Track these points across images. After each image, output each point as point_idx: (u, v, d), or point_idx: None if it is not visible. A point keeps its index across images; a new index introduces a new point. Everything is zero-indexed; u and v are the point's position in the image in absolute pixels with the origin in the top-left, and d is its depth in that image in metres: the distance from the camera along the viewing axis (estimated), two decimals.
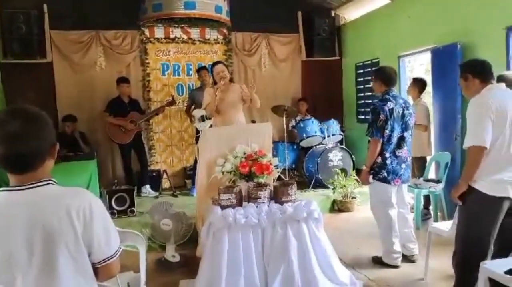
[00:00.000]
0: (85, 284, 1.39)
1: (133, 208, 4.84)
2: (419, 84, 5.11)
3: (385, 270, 3.62)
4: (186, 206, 4.83)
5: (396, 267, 3.64)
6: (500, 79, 3.69)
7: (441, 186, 4.58)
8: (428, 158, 5.11)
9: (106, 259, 1.44)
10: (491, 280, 2.45)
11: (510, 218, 2.66)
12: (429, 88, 5.41)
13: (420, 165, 5.02)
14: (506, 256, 2.63)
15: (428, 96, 5.49)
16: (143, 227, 4.35)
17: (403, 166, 3.63)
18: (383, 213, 3.67)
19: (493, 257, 2.66)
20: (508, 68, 4.33)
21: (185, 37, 6.87)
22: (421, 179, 4.78)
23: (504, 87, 2.78)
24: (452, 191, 2.77)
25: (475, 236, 2.68)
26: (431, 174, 5.08)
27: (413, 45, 5.87)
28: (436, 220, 4.64)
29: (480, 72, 2.75)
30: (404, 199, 3.82)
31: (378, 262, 3.76)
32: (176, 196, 5.94)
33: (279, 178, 5.88)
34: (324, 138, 6.44)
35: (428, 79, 5.40)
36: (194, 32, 6.90)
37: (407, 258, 3.75)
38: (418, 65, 9.55)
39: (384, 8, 6.50)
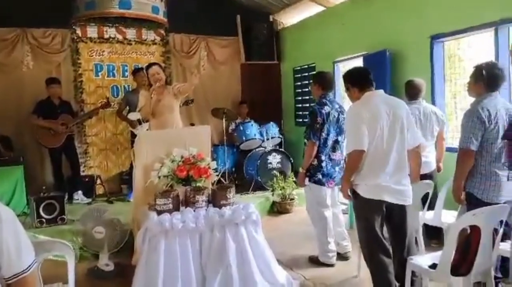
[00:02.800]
0: None
1: (63, 216, 4.58)
2: None
3: (321, 269, 3.71)
4: (123, 212, 4.65)
5: (331, 265, 3.76)
6: (410, 84, 3.97)
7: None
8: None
9: (18, 275, 1.33)
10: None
11: (393, 220, 2.84)
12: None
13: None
14: (400, 255, 2.81)
15: None
16: (75, 235, 4.12)
17: (337, 168, 3.76)
18: (319, 214, 3.78)
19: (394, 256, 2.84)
20: (432, 75, 4.64)
21: (120, 37, 6.64)
22: None
23: (382, 93, 2.92)
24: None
25: (366, 235, 2.85)
26: None
27: (347, 52, 6.11)
28: None
29: (357, 81, 2.92)
30: (337, 200, 3.97)
31: (314, 261, 3.85)
32: (111, 202, 5.70)
33: (218, 182, 5.89)
34: (263, 141, 6.51)
35: None
36: (130, 33, 6.70)
37: (341, 256, 3.88)
38: None
39: (320, 15, 6.72)
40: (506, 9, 3.84)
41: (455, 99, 5.43)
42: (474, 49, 4.90)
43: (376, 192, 2.75)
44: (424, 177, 3.51)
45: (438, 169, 4.07)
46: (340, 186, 3.81)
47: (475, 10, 4.15)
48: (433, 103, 4.53)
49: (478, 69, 2.92)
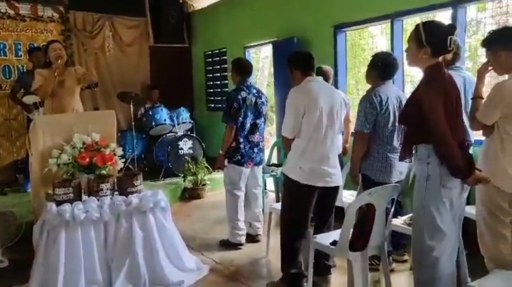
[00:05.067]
0: None
1: None
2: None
3: (231, 252, 3.77)
4: (17, 204, 4.30)
5: (240, 245, 3.84)
6: (318, 71, 4.16)
7: (281, 169, 4.95)
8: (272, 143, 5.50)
9: None
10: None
11: (324, 202, 3.01)
12: (271, 79, 5.79)
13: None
14: (322, 231, 2.98)
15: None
16: None
17: (255, 149, 3.87)
18: (231, 194, 3.86)
19: (314, 232, 2.99)
20: (335, 62, 4.89)
21: (12, 12, 6.00)
22: (264, 163, 5.10)
23: (321, 80, 3.09)
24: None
25: (292, 218, 2.97)
26: (274, 159, 5.46)
27: (258, 38, 6.19)
28: (278, 201, 5.01)
29: (300, 65, 3.01)
30: (258, 181, 4.05)
31: (224, 244, 3.91)
32: (4, 194, 5.22)
33: (127, 169, 5.68)
34: (174, 126, 6.38)
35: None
36: (24, 8, 6.09)
37: (252, 238, 3.98)
38: (263, 57, 10.12)
39: None
40: (401, 3, 4.15)
41: (358, 87, 5.81)
42: (375, 40, 5.26)
43: (311, 178, 2.84)
44: None
45: (345, 150, 4.32)
46: (260, 166, 3.95)
47: (373, 2, 4.43)
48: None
49: (374, 58, 3.14)
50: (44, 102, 4.20)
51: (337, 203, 3.71)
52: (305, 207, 2.92)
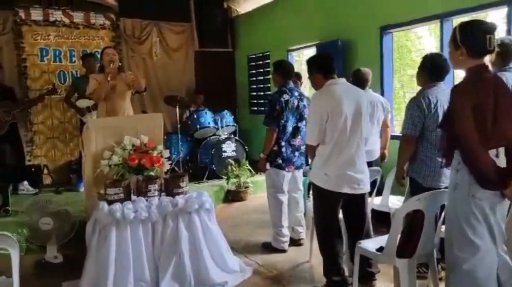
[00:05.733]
0: None
1: (7, 207, 4.36)
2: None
3: (274, 255, 3.77)
4: (72, 202, 4.49)
5: (283, 251, 3.83)
6: (357, 73, 4.07)
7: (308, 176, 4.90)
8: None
9: None
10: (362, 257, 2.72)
11: (353, 208, 2.96)
12: None
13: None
14: (359, 237, 2.90)
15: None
16: (20, 227, 3.95)
17: (297, 153, 3.84)
18: (274, 198, 3.85)
19: (351, 239, 2.95)
20: (381, 65, 4.79)
21: (67, 20, 6.34)
22: (308, 167, 5.07)
23: (344, 82, 2.99)
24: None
25: (324, 224, 2.96)
26: None
27: (301, 40, 6.18)
28: None
29: (321, 67, 2.95)
30: (298, 185, 4.02)
31: (267, 247, 3.91)
32: (59, 193, 5.49)
33: (172, 171, 5.82)
34: (217, 129, 6.48)
35: None
36: (78, 16, 6.41)
37: (295, 242, 3.96)
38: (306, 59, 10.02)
39: (274, 3, 6.72)
40: (450, 2, 4.01)
41: (404, 89, 5.66)
42: (423, 41, 5.11)
43: (337, 184, 2.82)
44: (368, 165, 3.65)
45: (383, 156, 4.23)
46: (301, 170, 3.93)
47: (421, 2, 4.31)
48: (382, 93, 4.69)
49: (423, 60, 3.05)
50: (97, 105, 4.39)
51: (383, 209, 3.66)
52: (333, 213, 2.90)
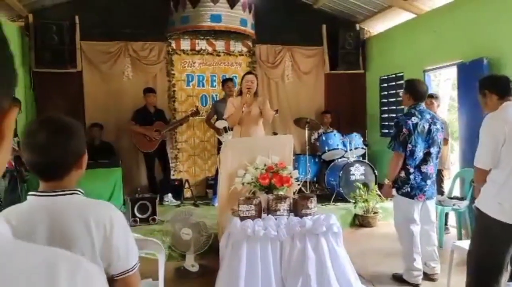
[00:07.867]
0: None
1: (155, 216, 4.91)
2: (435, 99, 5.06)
3: None
4: (207, 216, 4.87)
5: (416, 285, 3.57)
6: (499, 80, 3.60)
7: (465, 203, 4.48)
8: (445, 172, 5.03)
9: (124, 272, 1.42)
10: None
11: None
12: (455, 103, 5.33)
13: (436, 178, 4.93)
14: None
15: (454, 111, 5.41)
16: (164, 235, 4.40)
17: (428, 182, 3.56)
18: (405, 228, 3.61)
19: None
20: None
21: (210, 49, 6.99)
22: (445, 196, 4.69)
23: None
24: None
25: (483, 260, 2.61)
26: (456, 191, 4.97)
27: (439, 60, 5.80)
28: (460, 238, 4.53)
29: (497, 88, 2.71)
30: (430, 216, 3.72)
31: (398, 279, 3.69)
32: (197, 206, 5.99)
33: (299, 191, 5.90)
34: (346, 151, 6.40)
35: (455, 94, 5.32)
36: (219, 45, 7.02)
37: (428, 277, 3.67)
38: (443, 79, 9.39)
39: (409, 22, 6.47)
40: None
41: None
42: None
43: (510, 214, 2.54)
44: None
45: None
46: (431, 200, 3.66)
47: None
48: None
49: None
50: (233, 127, 4.72)
51: None
52: (501, 248, 2.55)
